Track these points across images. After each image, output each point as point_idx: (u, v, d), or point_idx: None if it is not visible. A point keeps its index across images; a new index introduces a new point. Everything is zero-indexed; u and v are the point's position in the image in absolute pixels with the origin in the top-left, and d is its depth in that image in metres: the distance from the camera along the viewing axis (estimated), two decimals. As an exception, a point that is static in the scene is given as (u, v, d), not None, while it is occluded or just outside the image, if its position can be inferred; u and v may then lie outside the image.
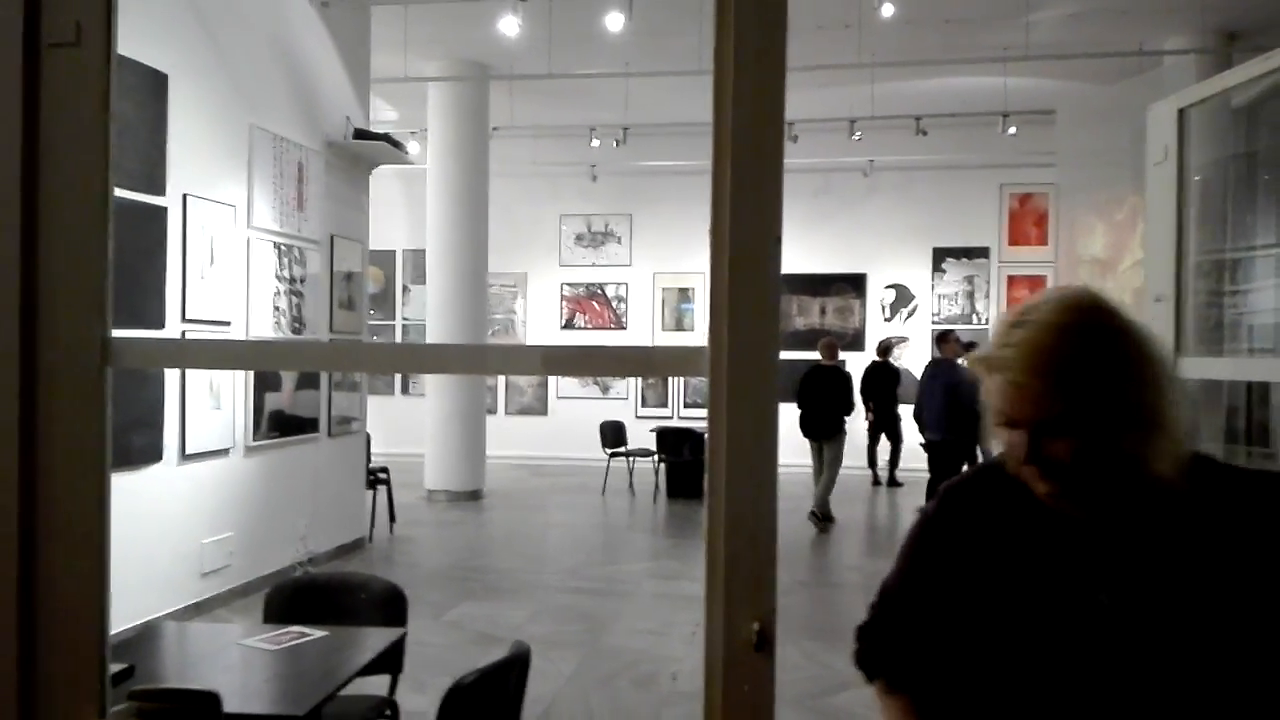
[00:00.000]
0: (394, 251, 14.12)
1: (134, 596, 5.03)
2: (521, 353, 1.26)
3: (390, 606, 3.15)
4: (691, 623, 5.79)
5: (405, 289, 14.36)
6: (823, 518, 8.90)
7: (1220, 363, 2.38)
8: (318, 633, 2.85)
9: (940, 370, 8.71)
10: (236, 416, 6.09)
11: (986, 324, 13.11)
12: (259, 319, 6.27)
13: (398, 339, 14.31)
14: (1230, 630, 1.11)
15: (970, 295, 13.33)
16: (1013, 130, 10.56)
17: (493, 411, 13.98)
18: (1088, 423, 1.12)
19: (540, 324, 14.08)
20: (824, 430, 8.98)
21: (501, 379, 14.08)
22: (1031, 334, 1.14)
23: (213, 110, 5.81)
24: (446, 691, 2.30)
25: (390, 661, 2.90)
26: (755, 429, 1.30)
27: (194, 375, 5.61)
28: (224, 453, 5.97)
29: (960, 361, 9.05)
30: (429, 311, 10.50)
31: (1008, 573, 1.26)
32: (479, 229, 10.47)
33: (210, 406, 5.78)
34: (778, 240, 1.32)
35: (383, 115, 11.78)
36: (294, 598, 3.20)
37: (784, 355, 13.99)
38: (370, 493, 8.15)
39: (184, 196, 5.51)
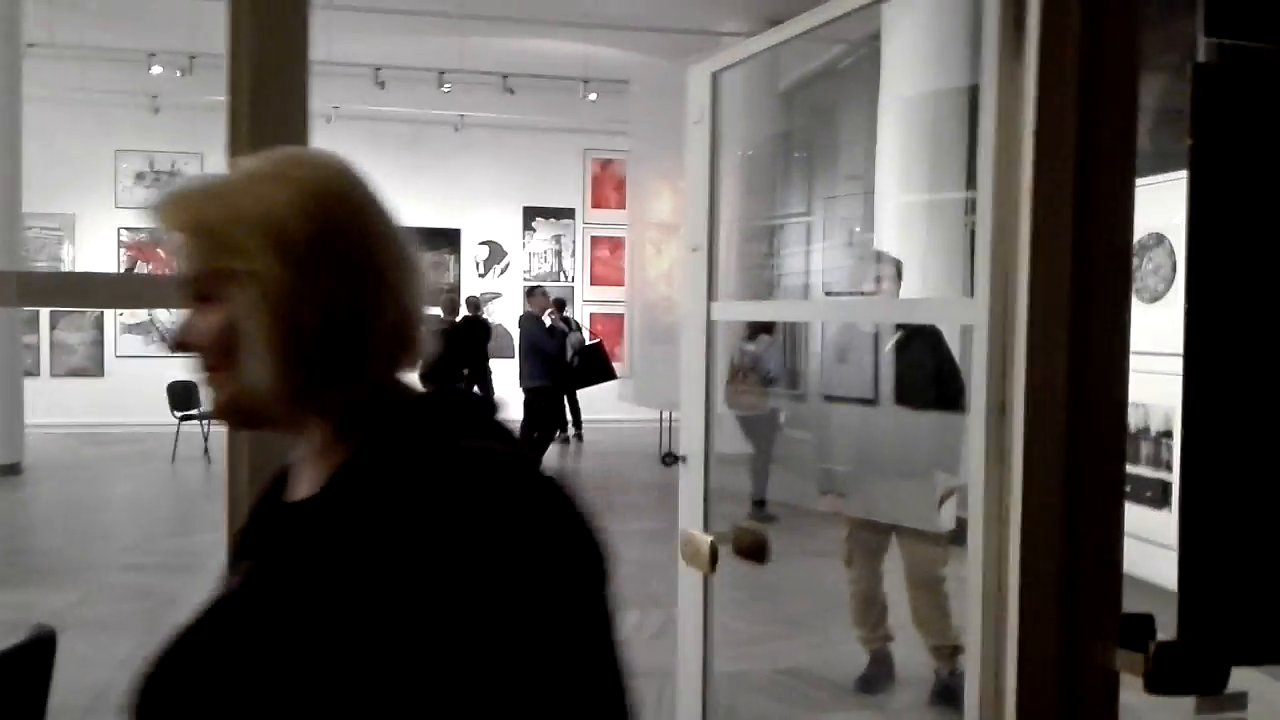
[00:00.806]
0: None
1: None
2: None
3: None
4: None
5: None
6: None
7: (734, 306, 2.67)
8: None
9: (525, 323, 9.15)
10: None
11: (573, 282, 13.76)
12: None
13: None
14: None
15: (559, 254, 13.88)
16: (593, 97, 11.08)
17: (35, 373, 12.19)
18: (230, 293, 0.84)
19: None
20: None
21: (45, 335, 12.27)
22: (197, 180, 0.89)
23: None
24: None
25: None
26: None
27: None
28: None
29: (545, 317, 9.53)
30: (-57, 256, 8.85)
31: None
32: (8, 161, 8.98)
33: None
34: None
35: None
36: None
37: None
38: None
39: None
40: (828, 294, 9.41)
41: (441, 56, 10.12)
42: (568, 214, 13.75)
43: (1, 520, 7.38)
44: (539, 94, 11.48)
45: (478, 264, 13.63)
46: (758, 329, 7.32)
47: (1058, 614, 1.30)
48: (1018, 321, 1.37)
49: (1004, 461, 1.42)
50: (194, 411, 10.27)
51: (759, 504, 7.30)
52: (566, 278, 13.72)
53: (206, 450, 10.28)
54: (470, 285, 13.34)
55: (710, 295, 2.60)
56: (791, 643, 4.65)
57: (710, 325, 2.61)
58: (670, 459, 10.58)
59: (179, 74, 9.99)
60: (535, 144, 13.23)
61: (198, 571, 5.88)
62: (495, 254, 13.74)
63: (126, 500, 8.27)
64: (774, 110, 9.22)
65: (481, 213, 13.46)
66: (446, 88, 10.37)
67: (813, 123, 8.90)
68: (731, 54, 2.03)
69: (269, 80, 1.12)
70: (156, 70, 9.88)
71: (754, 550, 2.25)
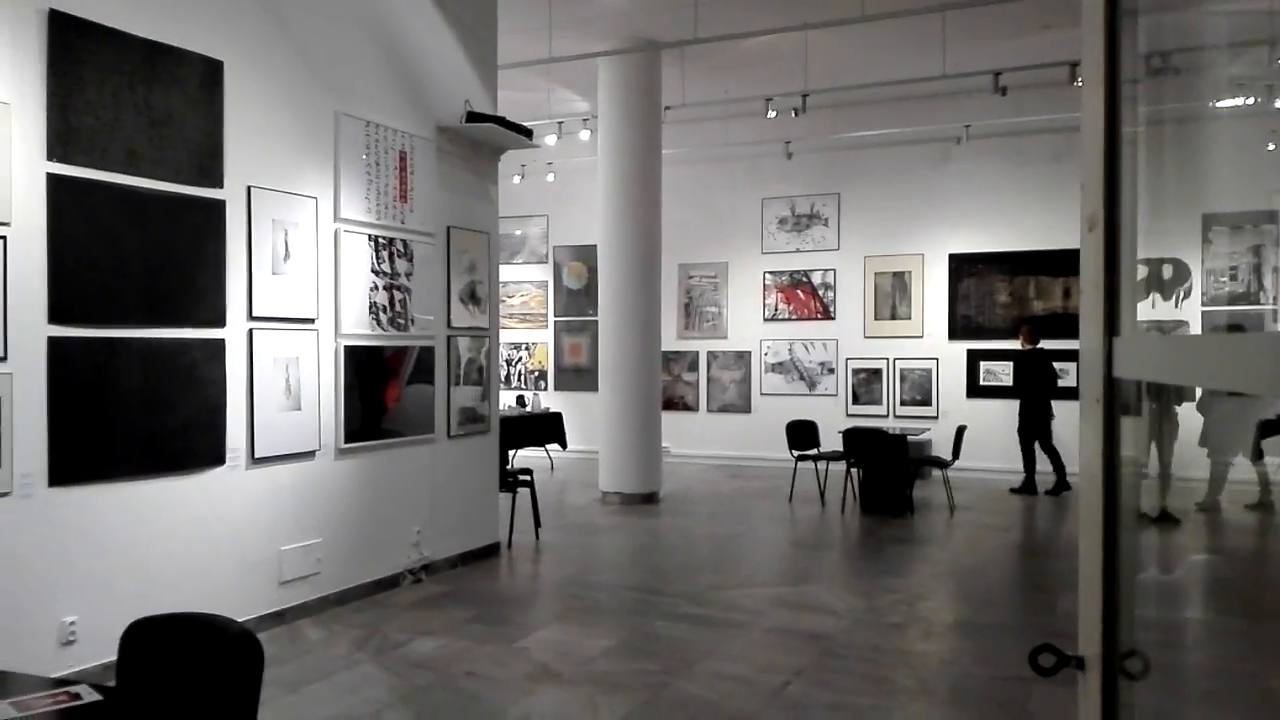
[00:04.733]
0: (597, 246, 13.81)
1: (194, 605, 4.84)
2: None
3: (237, 658, 2.57)
4: (793, 669, 4.83)
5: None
6: None
7: (1147, 343, 1.31)
8: (92, 696, 2.33)
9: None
10: (324, 418, 5.83)
11: (1275, 303, 10.75)
12: (352, 316, 6.00)
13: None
14: None
15: (1258, 269, 10.97)
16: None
17: (695, 409, 13.36)
18: None
19: (742, 316, 13.21)
20: None
21: (703, 374, 13.37)
22: None
23: (283, 98, 5.56)
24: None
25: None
26: None
27: (266, 377, 5.39)
28: (308, 455, 5.73)
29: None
30: (602, 307, 10.01)
31: None
32: (651, 215, 9.82)
33: (287, 408, 5.55)
34: None
35: (572, 106, 11.46)
36: (139, 641, 2.72)
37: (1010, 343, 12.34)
38: (511, 495, 7.78)
39: (248, 189, 5.29)
40: None
41: (1067, 50, 8.55)
42: (1269, 218, 10.78)
43: (609, 550, 7.90)
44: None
45: (1159, 284, 11.41)
46: None
47: None
48: None
49: None
50: (811, 451, 10.15)
51: None
52: (1267, 299, 10.75)
53: (822, 493, 10.07)
54: (1141, 312, 11.20)
55: (1111, 326, 1.32)
56: None
57: (1111, 384, 1.33)
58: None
59: (794, 115, 10.00)
60: (1216, 132, 10.63)
61: (736, 630, 5.48)
62: (1178, 274, 11.39)
63: (720, 539, 8.33)
64: None
65: (1147, 225, 11.24)
66: (1079, 82, 8.68)
67: None
68: None
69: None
70: (774, 114, 10.00)
71: None
